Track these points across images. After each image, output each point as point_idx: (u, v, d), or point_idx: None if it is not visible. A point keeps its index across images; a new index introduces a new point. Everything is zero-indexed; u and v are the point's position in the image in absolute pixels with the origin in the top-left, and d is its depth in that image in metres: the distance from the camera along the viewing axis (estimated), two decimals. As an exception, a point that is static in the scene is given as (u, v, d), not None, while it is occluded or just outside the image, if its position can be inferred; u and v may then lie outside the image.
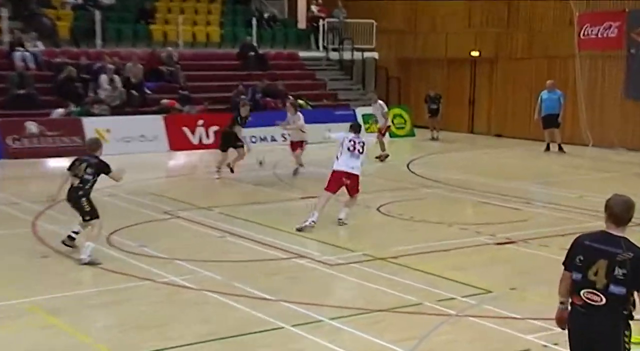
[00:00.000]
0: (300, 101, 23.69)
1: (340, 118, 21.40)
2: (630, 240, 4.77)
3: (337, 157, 11.18)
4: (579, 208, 12.71)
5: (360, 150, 11.21)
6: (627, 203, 4.64)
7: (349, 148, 11.20)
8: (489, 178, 15.95)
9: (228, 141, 15.01)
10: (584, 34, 20.95)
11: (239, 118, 15.05)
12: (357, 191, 11.31)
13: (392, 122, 24.19)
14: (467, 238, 10.65)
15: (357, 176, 11.18)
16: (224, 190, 14.61)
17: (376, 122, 19.31)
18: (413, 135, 23.58)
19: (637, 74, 19.93)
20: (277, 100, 23.16)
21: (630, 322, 4.61)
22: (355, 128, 11.56)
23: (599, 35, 20.64)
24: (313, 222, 10.76)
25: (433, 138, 22.86)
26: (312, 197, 13.75)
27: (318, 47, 27.40)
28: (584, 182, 15.53)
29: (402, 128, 24.45)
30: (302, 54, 26.51)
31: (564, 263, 4.80)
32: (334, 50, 27.21)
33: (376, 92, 20.23)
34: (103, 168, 9.09)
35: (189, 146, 20.28)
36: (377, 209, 12.72)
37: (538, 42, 22.63)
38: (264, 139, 21.62)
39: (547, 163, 18.57)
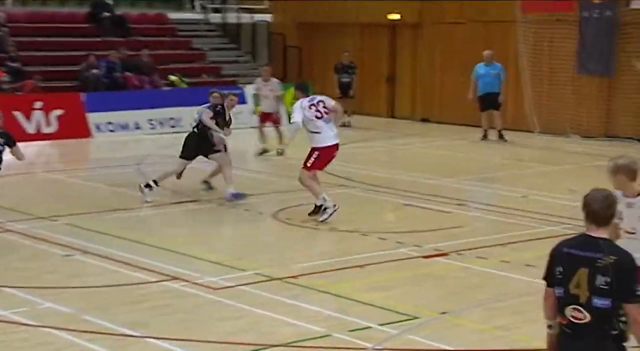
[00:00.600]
0: (172, 77, 23.52)
1: (224, 99, 21.33)
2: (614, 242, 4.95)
3: (312, 132, 12.31)
4: (523, 210, 13.16)
5: (327, 111, 12.29)
6: (608, 198, 4.81)
7: (317, 117, 12.28)
8: (414, 174, 16.29)
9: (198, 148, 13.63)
10: (528, -7, 21.73)
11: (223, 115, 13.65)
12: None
13: (292, 102, 24.38)
14: (387, 251, 10.82)
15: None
16: (72, 194, 14.31)
17: (257, 105, 19.03)
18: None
19: (592, 43, 20.77)
20: (141, 75, 22.85)
21: (625, 345, 4.77)
22: (304, 89, 12.68)
23: (547, -5, 21.46)
24: (333, 205, 12.17)
25: (344, 125, 23.01)
26: (190, 202, 13.68)
27: (194, 7, 27.22)
28: (530, 178, 16.10)
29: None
30: (173, 15, 26.30)
31: (544, 278, 4.97)
32: (215, 11, 27.11)
33: (269, 67, 20.22)
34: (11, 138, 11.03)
35: (23, 136, 19.72)
36: (274, 216, 12.77)
37: (472, 3, 23.25)
38: (124, 127, 21.33)
39: (485, 155, 19.13)
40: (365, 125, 23.48)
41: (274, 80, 18.94)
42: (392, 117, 25.39)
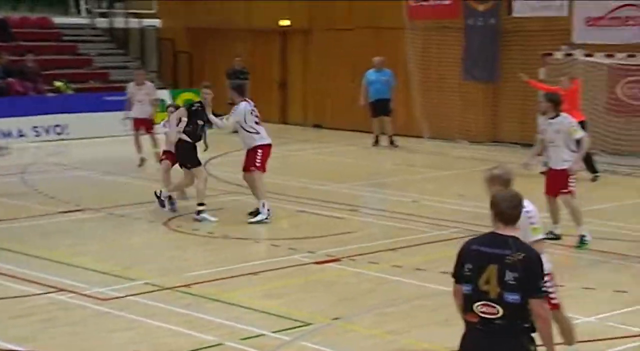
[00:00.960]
0: (57, 83, 23.00)
1: (113, 105, 20.85)
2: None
3: (250, 132, 12.95)
4: (414, 215, 13.38)
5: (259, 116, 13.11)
6: (515, 198, 5.01)
7: (256, 122, 13.05)
8: (306, 180, 16.37)
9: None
10: (414, 0, 22.08)
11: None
12: None
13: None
14: (280, 257, 10.85)
15: None
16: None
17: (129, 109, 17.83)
18: (210, 127, 23.36)
19: (478, 50, 21.29)
20: (25, 81, 22.25)
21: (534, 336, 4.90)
22: (242, 92, 13.31)
23: (432, 2, 21.86)
24: (268, 210, 12.73)
25: (236, 131, 22.80)
26: (77, 211, 13.39)
27: (79, 11, 26.67)
28: (420, 183, 16.38)
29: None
30: (58, 20, 25.71)
31: (453, 275, 5.05)
32: (102, 15, 26.63)
33: (145, 71, 19.85)
34: None
35: None
36: (164, 224, 12.63)
37: (361, 9, 23.50)
38: (7, 134, 20.73)
39: (377, 161, 19.37)
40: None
41: (149, 84, 18.32)
42: (285, 123, 25.42)
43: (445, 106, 21.88)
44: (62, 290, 9.33)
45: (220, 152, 18.59)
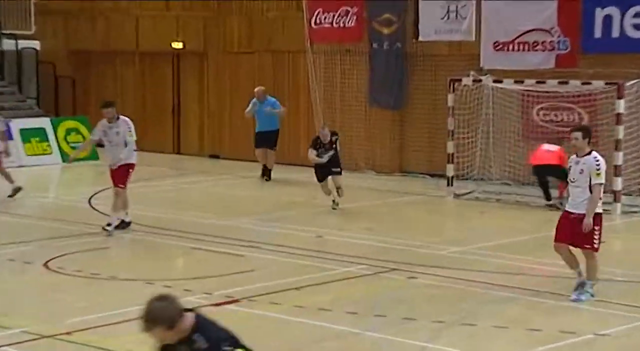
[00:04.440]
0: None
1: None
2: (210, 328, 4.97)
3: (131, 148, 14.41)
4: (318, 251, 13.36)
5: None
6: (159, 304, 4.90)
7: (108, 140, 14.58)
8: (203, 215, 16.20)
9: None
10: (315, 22, 22.22)
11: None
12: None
13: (66, 140, 23.70)
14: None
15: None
16: None
17: None
18: (96, 157, 22.88)
19: (383, 75, 21.51)
20: None
21: None
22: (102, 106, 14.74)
23: (335, 24, 22.01)
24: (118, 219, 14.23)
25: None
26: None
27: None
28: (324, 217, 16.37)
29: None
30: None
31: None
32: (-26, 36, 25.99)
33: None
34: None
35: None
36: (44, 265, 12.30)
37: (259, 31, 23.56)
38: None
39: (277, 193, 19.31)
40: (148, 162, 23.15)
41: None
42: (179, 153, 25.21)
43: (350, 134, 21.99)
44: None
45: (109, 185, 18.25)
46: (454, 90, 18.77)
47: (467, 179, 19.26)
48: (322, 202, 17.28)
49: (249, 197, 18.90)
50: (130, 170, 14.44)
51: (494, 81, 18.72)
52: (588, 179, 10.49)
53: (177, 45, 24.79)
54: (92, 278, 11.72)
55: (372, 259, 12.72)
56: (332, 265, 12.53)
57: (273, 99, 20.54)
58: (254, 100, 20.39)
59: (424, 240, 14.05)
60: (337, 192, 16.76)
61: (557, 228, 10.78)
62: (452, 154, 18.79)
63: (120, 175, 14.34)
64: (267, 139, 20.32)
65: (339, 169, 16.79)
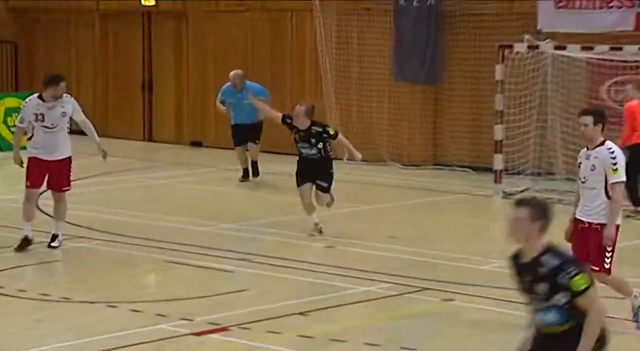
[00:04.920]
0: None
1: None
2: None
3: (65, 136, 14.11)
4: (328, 265, 13.38)
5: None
6: None
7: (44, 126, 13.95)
8: (180, 219, 16.25)
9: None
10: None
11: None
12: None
13: (6, 123, 23.72)
14: (143, 327, 10.71)
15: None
16: None
17: None
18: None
19: (412, 40, 21.45)
20: None
21: None
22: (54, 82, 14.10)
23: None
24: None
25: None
26: None
27: None
28: (336, 221, 16.27)
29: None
30: None
31: None
32: None
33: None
34: None
35: None
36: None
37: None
38: None
39: (275, 192, 19.27)
40: (113, 152, 23.16)
41: None
42: (151, 140, 25.24)
43: (369, 117, 21.97)
44: None
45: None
46: (503, 60, 18.73)
47: (519, 174, 19.25)
48: (335, 204, 17.26)
49: (239, 196, 18.93)
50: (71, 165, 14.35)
51: (555, 48, 18.66)
52: (603, 178, 10.21)
53: (148, 1, 24.79)
54: (41, 300, 11.73)
55: (397, 276, 12.71)
56: (346, 283, 12.53)
57: (256, 85, 19.82)
58: (227, 86, 19.80)
59: (464, 252, 14.02)
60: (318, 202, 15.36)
61: (573, 246, 10.24)
62: (501, 142, 18.77)
63: (65, 171, 14.15)
64: (247, 133, 19.73)
65: (326, 184, 15.19)
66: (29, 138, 14.24)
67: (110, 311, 11.39)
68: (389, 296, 12.04)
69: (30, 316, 11.27)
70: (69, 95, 14.35)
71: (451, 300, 11.82)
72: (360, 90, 22.11)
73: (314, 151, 14.95)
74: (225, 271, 13.12)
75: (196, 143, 24.58)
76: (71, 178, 14.23)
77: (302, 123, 14.90)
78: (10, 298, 11.85)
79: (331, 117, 22.02)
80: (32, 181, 14.01)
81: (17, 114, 24.39)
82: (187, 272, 13.14)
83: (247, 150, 19.92)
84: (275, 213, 17.00)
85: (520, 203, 6.62)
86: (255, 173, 20.15)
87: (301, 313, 11.20)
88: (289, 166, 20.53)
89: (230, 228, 15.65)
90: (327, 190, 15.15)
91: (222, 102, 19.84)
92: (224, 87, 19.88)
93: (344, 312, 11.39)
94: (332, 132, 15.14)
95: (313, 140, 14.91)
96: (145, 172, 21.24)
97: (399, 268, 13.13)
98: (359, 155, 15.60)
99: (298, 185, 15.14)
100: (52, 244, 13.94)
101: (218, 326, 10.71)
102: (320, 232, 14.95)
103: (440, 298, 11.86)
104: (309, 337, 10.40)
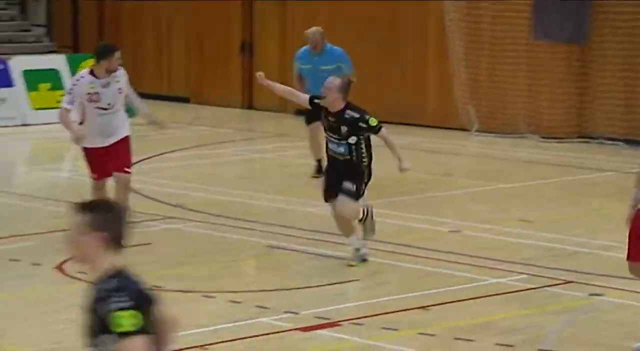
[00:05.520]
0: None
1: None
2: None
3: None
4: (454, 253, 13.34)
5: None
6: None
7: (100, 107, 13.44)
8: (284, 198, 16.35)
9: None
10: None
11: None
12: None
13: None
14: (243, 320, 10.82)
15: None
16: None
17: None
18: (132, 113, 23.41)
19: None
20: None
21: None
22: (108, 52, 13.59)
23: None
24: None
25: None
26: None
27: None
28: (462, 203, 16.40)
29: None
30: None
31: None
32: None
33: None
34: None
35: None
36: (56, 267, 12.49)
37: None
38: None
39: (395, 168, 19.24)
40: (207, 122, 23.44)
41: None
42: (251, 107, 25.38)
43: (504, 82, 21.86)
44: None
45: (148, 154, 18.57)
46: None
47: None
48: (462, 182, 17.25)
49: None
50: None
51: None
52: None
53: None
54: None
55: (534, 266, 12.64)
56: (473, 273, 12.50)
57: (338, 48, 18.28)
58: (304, 49, 18.37)
59: (612, 239, 13.86)
60: (364, 228, 13.02)
61: (629, 240, 10.11)
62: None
63: (125, 152, 13.80)
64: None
65: (352, 185, 12.55)
66: (80, 123, 13.67)
67: (207, 302, 11.53)
68: (525, 289, 11.98)
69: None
70: (121, 68, 13.88)
71: (599, 295, 11.71)
72: (492, 50, 22.01)
73: (342, 149, 12.47)
74: (336, 258, 13.14)
75: (302, 113, 24.60)
76: (132, 160, 14.01)
77: (333, 103, 12.47)
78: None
79: (458, 84, 21.96)
80: (98, 172, 13.71)
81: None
82: (293, 259, 13.25)
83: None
84: (394, 192, 17.00)
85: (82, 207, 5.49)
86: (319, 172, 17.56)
87: (422, 307, 11.21)
88: (410, 138, 20.65)
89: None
90: (351, 194, 12.49)
91: (300, 75, 18.20)
92: (300, 50, 18.46)
93: (472, 307, 11.35)
94: (373, 123, 12.54)
95: (344, 130, 12.39)
96: (244, 144, 21.39)
97: (536, 257, 13.05)
98: (407, 164, 13.09)
99: (325, 201, 12.91)
100: None
101: (327, 321, 10.75)
102: (364, 260, 12.78)
103: (587, 293, 11.75)
104: (431, 335, 10.40)
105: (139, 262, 12.95)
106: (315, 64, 17.79)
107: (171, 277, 12.21)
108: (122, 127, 13.73)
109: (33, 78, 23.01)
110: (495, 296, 11.69)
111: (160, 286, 11.79)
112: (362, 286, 12.11)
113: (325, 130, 12.84)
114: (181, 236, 14.04)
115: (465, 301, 11.52)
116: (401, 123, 21.03)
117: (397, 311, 11.11)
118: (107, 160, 13.56)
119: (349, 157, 12.45)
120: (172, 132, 20.38)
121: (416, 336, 10.41)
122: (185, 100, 25.64)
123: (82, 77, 13.55)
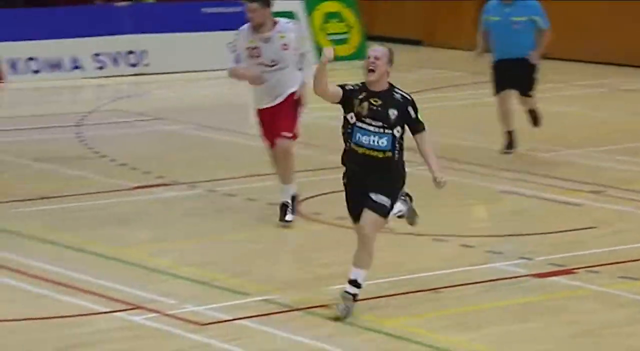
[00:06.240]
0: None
1: (215, 22, 21.39)
2: None
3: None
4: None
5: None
6: None
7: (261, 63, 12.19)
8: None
9: None
10: None
11: None
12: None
13: (323, 30, 24.30)
14: (475, 265, 10.80)
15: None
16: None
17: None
18: (362, 56, 23.25)
19: None
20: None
21: None
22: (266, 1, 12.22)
23: None
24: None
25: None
26: (159, 186, 13.67)
27: None
28: None
29: (344, 41, 24.46)
30: None
31: None
32: None
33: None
34: None
35: None
36: (301, 215, 12.66)
37: None
38: (56, 66, 21.31)
39: (634, 113, 18.96)
40: (440, 64, 23.42)
41: None
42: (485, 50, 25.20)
43: None
44: (137, 307, 9.48)
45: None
46: None
47: None
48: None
49: (587, 117, 18.95)
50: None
51: None
52: None
53: None
54: (339, 226, 11.88)
55: None
56: None
57: (533, 1, 16.24)
58: (495, 1, 16.36)
59: None
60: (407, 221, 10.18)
61: None
62: None
63: (286, 113, 12.36)
64: (513, 76, 16.00)
65: (388, 200, 9.49)
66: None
67: (438, 246, 11.56)
68: None
69: (343, 248, 11.27)
70: (291, 21, 12.82)
71: None
72: None
73: (384, 142, 9.35)
74: (572, 204, 13.04)
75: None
76: (297, 121, 12.47)
77: (381, 78, 9.46)
78: (326, 226, 12.21)
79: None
80: (269, 138, 12.47)
81: (337, 20, 25.10)
82: (526, 204, 13.17)
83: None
84: (627, 139, 16.71)
85: None
86: (536, 122, 16.47)
87: None
88: None
89: (575, 154, 15.63)
90: (383, 211, 9.48)
91: (485, 30, 16.51)
92: (489, 2, 16.58)
93: None
94: (417, 115, 9.54)
95: (394, 116, 9.37)
96: (477, 87, 21.23)
97: None
98: (443, 176, 9.66)
99: (353, 221, 9.70)
100: (286, 218, 12.27)
101: (562, 268, 10.66)
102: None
103: None
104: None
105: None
106: (505, 15, 16.04)
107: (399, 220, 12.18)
108: (291, 86, 12.32)
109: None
110: None
111: (391, 229, 11.83)
112: (600, 234, 11.91)
113: (358, 118, 9.43)
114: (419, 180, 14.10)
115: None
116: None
117: (635, 260, 10.90)
118: (273, 123, 12.36)
119: (390, 153, 9.39)
120: (400, 75, 20.20)
121: None
122: (417, 43, 25.66)
123: (242, 29, 12.35)
